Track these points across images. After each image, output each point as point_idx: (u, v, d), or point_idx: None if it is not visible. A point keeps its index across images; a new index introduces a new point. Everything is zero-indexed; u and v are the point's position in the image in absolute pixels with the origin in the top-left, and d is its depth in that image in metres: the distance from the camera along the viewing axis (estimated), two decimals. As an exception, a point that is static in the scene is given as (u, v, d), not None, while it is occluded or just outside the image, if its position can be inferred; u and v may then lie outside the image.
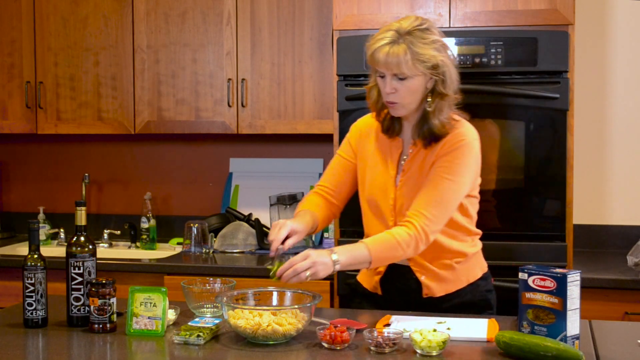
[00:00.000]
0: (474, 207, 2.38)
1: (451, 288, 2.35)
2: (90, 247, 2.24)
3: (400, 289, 2.37)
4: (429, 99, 2.24)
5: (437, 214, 2.21)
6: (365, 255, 2.17)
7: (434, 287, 2.34)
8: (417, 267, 2.34)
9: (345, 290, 3.07)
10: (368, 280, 2.45)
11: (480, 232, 2.43)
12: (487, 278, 2.45)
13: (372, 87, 2.33)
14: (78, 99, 3.88)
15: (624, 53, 3.64)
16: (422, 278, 2.34)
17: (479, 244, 2.43)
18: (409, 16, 2.26)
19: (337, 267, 2.14)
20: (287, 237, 2.25)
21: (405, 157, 2.35)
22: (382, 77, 2.23)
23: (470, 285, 2.38)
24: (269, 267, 2.21)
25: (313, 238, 3.77)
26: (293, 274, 2.11)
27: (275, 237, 2.23)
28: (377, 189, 2.36)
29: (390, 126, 2.35)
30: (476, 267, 2.41)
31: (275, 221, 2.27)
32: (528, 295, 2.03)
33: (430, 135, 2.27)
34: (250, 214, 3.85)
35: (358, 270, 2.52)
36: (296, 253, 2.18)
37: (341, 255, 2.14)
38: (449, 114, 2.27)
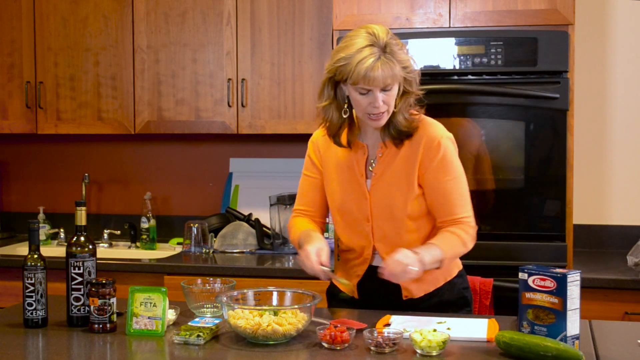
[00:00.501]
0: None
1: (430, 287, 2.36)
2: (90, 247, 2.24)
3: (379, 292, 2.35)
4: (397, 100, 2.25)
5: (468, 207, 2.31)
6: (439, 255, 2.22)
7: (413, 288, 2.34)
8: None
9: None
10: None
11: None
12: (463, 275, 2.46)
13: (327, 105, 2.29)
14: (78, 99, 3.88)
15: (624, 53, 3.64)
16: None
17: None
18: (371, 26, 2.21)
19: (422, 268, 2.18)
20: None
21: (372, 161, 2.35)
22: (364, 93, 2.19)
23: (447, 284, 2.39)
24: (341, 283, 2.21)
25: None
26: (402, 271, 2.13)
27: (315, 265, 2.21)
28: (349, 197, 2.36)
29: (348, 139, 2.34)
30: (452, 266, 2.41)
31: (303, 254, 2.25)
32: (528, 295, 2.03)
33: (398, 134, 2.27)
34: (250, 214, 3.85)
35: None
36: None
37: (425, 255, 2.18)
38: (409, 109, 2.29)
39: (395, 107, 2.24)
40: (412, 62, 2.23)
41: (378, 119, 2.24)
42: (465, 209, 2.29)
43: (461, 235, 2.26)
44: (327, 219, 2.61)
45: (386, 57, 2.16)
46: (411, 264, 2.13)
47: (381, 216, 2.31)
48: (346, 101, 2.28)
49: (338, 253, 2.50)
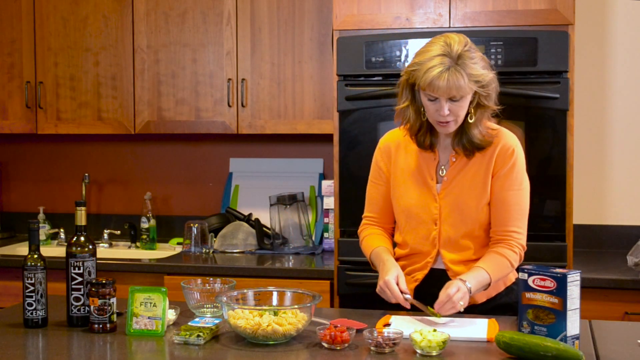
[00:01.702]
0: None
1: (492, 293, 2.38)
2: (90, 247, 2.24)
3: (437, 295, 2.28)
4: (471, 111, 2.28)
5: (523, 224, 2.36)
6: (486, 279, 2.26)
7: (477, 296, 2.34)
8: (455, 276, 2.31)
9: (355, 290, 3.06)
10: None
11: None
12: (519, 283, 2.43)
13: (404, 107, 2.35)
14: (78, 99, 3.88)
15: (623, 53, 3.64)
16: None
17: None
18: (451, 36, 2.25)
19: (471, 294, 2.23)
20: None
21: (443, 166, 2.37)
22: (433, 100, 2.24)
23: (506, 289, 2.42)
24: (430, 311, 2.23)
25: (313, 238, 3.77)
26: (452, 307, 2.18)
27: (397, 294, 2.24)
28: (417, 201, 2.37)
29: (431, 141, 2.37)
30: (510, 273, 2.42)
31: (381, 285, 2.27)
32: (528, 295, 2.03)
33: (472, 146, 2.31)
34: (250, 214, 3.85)
35: (372, 271, 2.50)
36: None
37: (471, 282, 2.22)
38: (485, 123, 2.33)
39: (470, 119, 2.28)
40: (488, 76, 2.25)
41: (445, 127, 2.28)
42: (519, 224, 2.33)
43: (509, 256, 2.30)
44: None
45: (456, 68, 2.19)
46: (461, 299, 2.17)
47: (450, 221, 2.33)
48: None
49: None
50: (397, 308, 2.32)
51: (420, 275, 2.38)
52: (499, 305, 2.39)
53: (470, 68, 2.21)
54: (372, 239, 2.47)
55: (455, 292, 2.17)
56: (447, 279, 2.32)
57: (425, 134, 2.36)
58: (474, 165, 2.33)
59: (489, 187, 2.32)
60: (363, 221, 2.54)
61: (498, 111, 2.34)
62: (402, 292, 2.24)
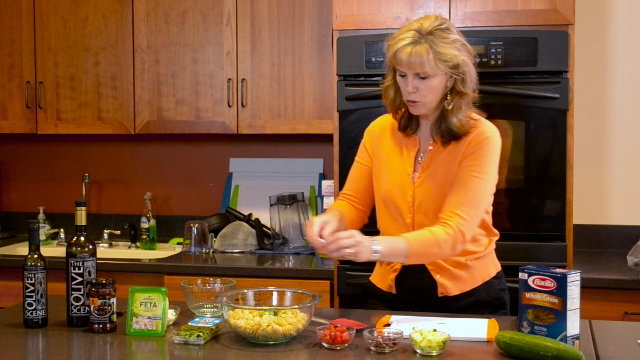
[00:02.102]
0: (490, 205, 2.40)
1: (466, 287, 2.36)
2: (90, 247, 2.24)
3: (415, 288, 2.36)
4: (448, 98, 2.27)
5: (472, 212, 2.24)
6: (403, 249, 2.18)
7: (450, 286, 2.34)
8: (433, 266, 2.34)
9: (355, 290, 3.06)
10: (382, 280, 2.43)
11: (498, 233, 2.44)
12: (501, 277, 2.45)
13: (388, 85, 2.35)
14: (78, 99, 3.88)
15: (624, 53, 3.64)
16: (438, 277, 2.34)
17: (494, 244, 2.45)
18: (429, 15, 2.27)
19: (376, 256, 2.15)
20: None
21: (422, 154, 2.36)
22: (403, 76, 2.25)
23: (484, 284, 2.39)
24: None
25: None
26: (336, 248, 2.11)
27: (312, 233, 2.18)
28: (394, 187, 2.37)
29: (408, 124, 2.37)
30: (490, 266, 2.42)
31: (307, 222, 2.25)
32: (528, 295, 2.03)
33: (449, 134, 2.29)
34: (250, 214, 3.85)
35: (371, 271, 2.51)
36: None
37: (381, 244, 2.15)
38: (467, 112, 2.30)
39: (447, 105, 2.27)
40: (459, 58, 2.22)
41: (413, 106, 2.28)
42: (466, 210, 2.22)
43: (438, 235, 2.20)
44: None
45: (422, 44, 2.19)
46: (348, 245, 2.09)
47: (423, 209, 2.31)
48: None
49: None
50: (392, 307, 2.35)
51: (398, 265, 2.37)
52: (476, 301, 2.37)
53: (438, 46, 2.19)
54: (335, 205, 2.46)
55: (345, 238, 2.11)
56: (424, 270, 2.33)
57: (404, 116, 2.36)
58: (450, 154, 2.31)
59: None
60: (338, 197, 2.53)
61: (479, 102, 2.31)
62: (321, 237, 2.17)
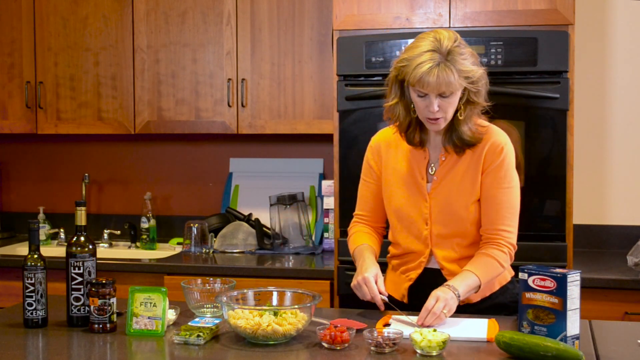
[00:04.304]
0: None
1: (486, 292, 2.37)
2: (90, 247, 2.24)
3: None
4: (461, 108, 2.27)
5: (514, 223, 2.32)
6: (476, 284, 2.25)
7: (471, 295, 2.33)
8: (450, 275, 2.32)
9: (348, 290, 3.06)
10: (396, 289, 2.42)
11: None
12: (514, 282, 2.45)
13: (394, 104, 2.33)
14: (78, 99, 3.88)
15: (624, 53, 3.64)
16: None
17: None
18: (440, 31, 2.24)
19: (460, 298, 2.21)
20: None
21: (433, 164, 2.36)
22: (422, 96, 2.23)
23: (501, 288, 2.40)
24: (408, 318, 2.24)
25: (313, 238, 3.77)
26: (433, 317, 2.15)
27: (375, 291, 2.25)
28: (407, 200, 2.37)
29: (420, 138, 2.36)
30: (505, 271, 2.41)
31: (358, 281, 2.28)
32: (528, 295, 2.03)
33: (462, 143, 2.30)
34: (250, 214, 3.85)
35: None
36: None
37: (459, 288, 2.21)
38: (476, 120, 2.31)
39: (460, 116, 2.27)
40: (478, 72, 2.23)
41: (435, 124, 2.27)
42: (508, 222, 2.30)
43: (497, 257, 2.28)
44: None
45: (446, 64, 2.18)
46: (441, 309, 2.14)
47: (440, 220, 2.32)
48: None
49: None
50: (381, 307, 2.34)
51: (414, 275, 2.38)
52: (494, 304, 2.38)
53: (460, 64, 2.19)
54: (358, 237, 2.47)
55: (435, 304, 2.15)
56: (442, 277, 2.33)
57: (414, 131, 2.35)
58: (464, 163, 2.32)
59: (478, 185, 2.31)
60: (353, 219, 2.54)
61: (489, 108, 2.32)
62: (381, 293, 2.25)
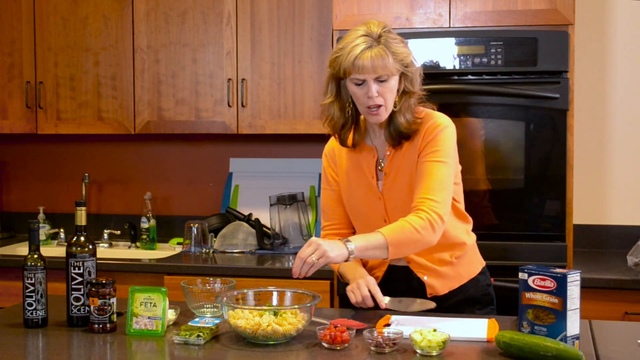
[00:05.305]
0: (460, 194, 2.39)
1: (454, 284, 2.36)
2: (90, 247, 2.24)
3: (403, 291, 2.35)
4: (396, 99, 2.26)
5: (442, 195, 2.21)
6: (380, 241, 2.14)
7: (437, 285, 2.34)
8: (418, 267, 2.34)
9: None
10: None
11: (471, 220, 2.43)
12: (486, 272, 2.46)
13: (329, 102, 2.32)
14: (78, 99, 3.88)
15: (624, 53, 3.64)
16: (425, 278, 2.34)
17: (474, 235, 2.44)
18: (370, 21, 2.24)
19: (352, 247, 2.11)
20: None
21: (381, 161, 2.35)
22: (359, 84, 2.21)
23: (471, 281, 2.39)
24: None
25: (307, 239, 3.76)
26: (301, 263, 2.09)
27: (366, 297, 2.24)
28: (362, 201, 2.37)
29: (354, 140, 2.35)
30: (475, 262, 2.42)
31: (349, 288, 2.29)
32: (528, 295, 2.03)
33: (398, 135, 2.28)
34: (250, 214, 3.85)
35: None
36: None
37: (355, 241, 2.13)
38: (413, 110, 2.28)
39: (395, 107, 2.25)
40: (411, 57, 2.24)
41: (376, 114, 2.24)
42: (434, 192, 2.19)
43: (412, 221, 2.16)
44: None
45: (379, 46, 2.18)
46: (309, 253, 2.07)
47: (397, 215, 2.29)
48: (349, 100, 2.29)
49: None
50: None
51: (380, 272, 2.38)
52: (465, 299, 2.37)
53: (392, 47, 2.19)
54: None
55: (305, 249, 2.09)
56: (409, 273, 2.33)
57: (348, 131, 2.34)
58: (407, 152, 2.30)
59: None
60: (322, 233, 2.49)
61: (425, 98, 2.30)
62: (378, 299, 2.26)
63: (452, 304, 2.36)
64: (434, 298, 2.34)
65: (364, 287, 2.26)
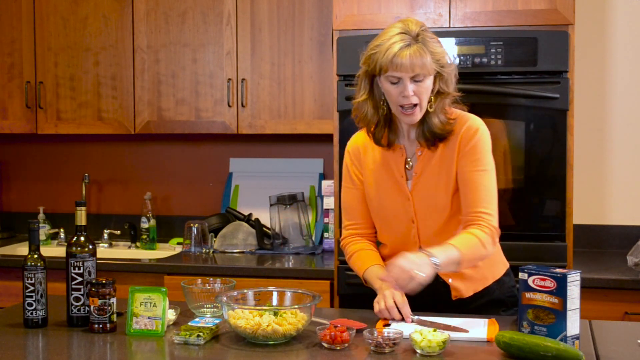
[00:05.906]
0: None
1: (478, 287, 2.35)
2: (90, 247, 2.24)
3: (428, 293, 2.26)
4: (432, 99, 2.24)
5: (493, 206, 2.25)
6: (456, 256, 2.16)
7: (462, 288, 2.33)
8: (444, 272, 2.30)
9: (355, 290, 3.05)
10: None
11: (499, 230, 2.40)
12: (510, 274, 2.44)
13: (363, 100, 2.30)
14: (78, 99, 3.88)
15: (624, 53, 3.64)
16: (450, 280, 2.32)
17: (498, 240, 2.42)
18: (407, 19, 2.24)
19: (438, 268, 2.13)
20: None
21: (410, 160, 2.33)
22: (395, 83, 2.19)
23: (495, 283, 2.38)
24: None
25: (313, 238, 3.77)
26: (407, 276, 2.08)
27: (391, 307, 2.20)
28: (390, 200, 2.34)
29: (389, 139, 2.33)
30: (499, 264, 2.41)
31: (376, 299, 2.25)
32: (528, 295, 2.03)
33: (432, 135, 2.27)
34: (250, 214, 3.85)
35: None
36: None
37: (438, 256, 2.12)
38: (447, 111, 2.28)
39: (430, 108, 2.24)
40: (447, 57, 2.22)
41: (411, 114, 2.22)
42: (487, 205, 2.23)
43: (479, 235, 2.20)
44: None
45: (417, 45, 2.16)
46: (417, 269, 2.08)
47: (426, 216, 2.29)
48: (383, 98, 2.28)
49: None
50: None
51: None
52: (491, 300, 2.37)
53: (430, 46, 2.18)
54: (361, 257, 2.40)
55: (408, 264, 2.08)
56: (436, 275, 2.32)
57: (382, 130, 2.32)
58: (441, 154, 2.29)
59: (455, 174, 2.27)
60: (344, 232, 2.47)
61: (459, 99, 2.30)
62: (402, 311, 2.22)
63: (477, 306, 2.35)
64: (458, 300, 2.33)
65: (389, 298, 2.21)
